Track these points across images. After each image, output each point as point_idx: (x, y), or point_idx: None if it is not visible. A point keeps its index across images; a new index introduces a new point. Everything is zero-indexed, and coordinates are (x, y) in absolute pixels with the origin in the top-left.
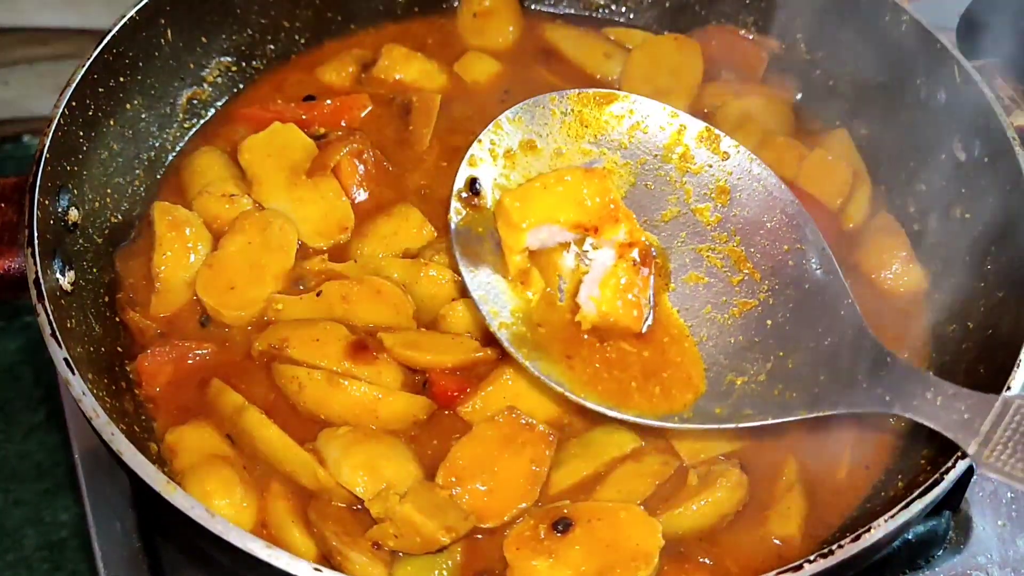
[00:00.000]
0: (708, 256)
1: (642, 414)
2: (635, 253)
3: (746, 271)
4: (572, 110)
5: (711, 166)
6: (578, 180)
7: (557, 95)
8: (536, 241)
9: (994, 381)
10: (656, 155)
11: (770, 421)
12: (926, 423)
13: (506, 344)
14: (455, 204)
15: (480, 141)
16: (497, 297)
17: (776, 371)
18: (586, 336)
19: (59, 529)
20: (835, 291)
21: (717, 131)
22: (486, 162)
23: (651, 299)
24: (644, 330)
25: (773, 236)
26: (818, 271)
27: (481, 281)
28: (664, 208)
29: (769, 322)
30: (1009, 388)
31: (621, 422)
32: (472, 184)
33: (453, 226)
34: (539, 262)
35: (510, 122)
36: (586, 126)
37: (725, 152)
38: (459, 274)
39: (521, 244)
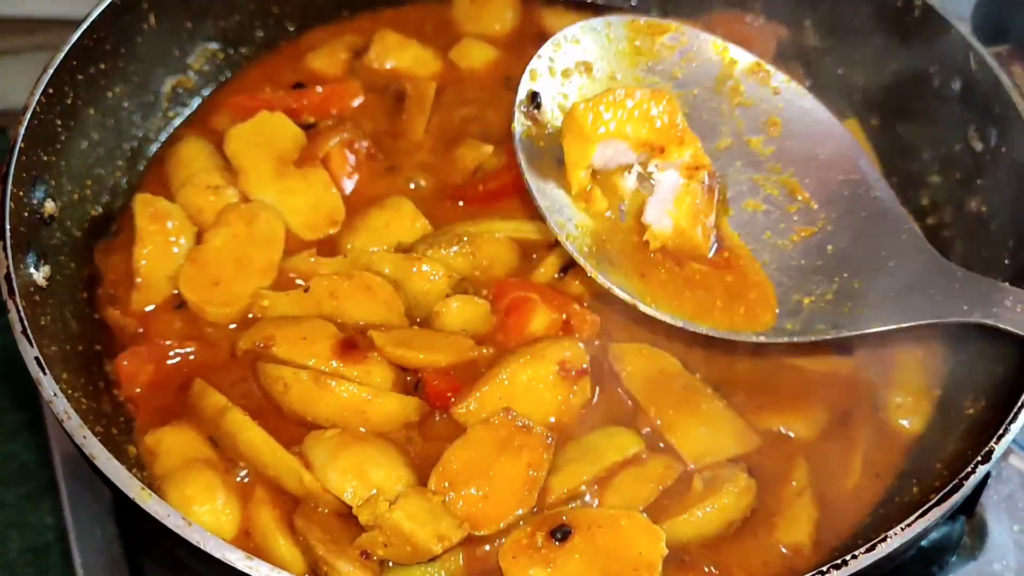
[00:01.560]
0: (764, 185)
1: (717, 327)
2: (704, 176)
3: (802, 200)
4: (626, 36)
5: (762, 99)
6: (648, 98)
7: (613, 19)
8: (601, 159)
9: (1014, 381)
10: (708, 87)
11: (844, 334)
12: (1009, 328)
13: (575, 254)
14: (518, 115)
15: (540, 56)
16: (562, 210)
17: (843, 290)
18: (653, 254)
19: (44, 533)
20: (894, 218)
21: (768, 66)
22: (544, 77)
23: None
24: (711, 254)
25: (827, 167)
26: (875, 198)
27: (547, 191)
28: (718, 138)
29: (830, 247)
30: None
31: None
32: (533, 98)
33: (517, 136)
34: (600, 184)
35: (568, 41)
36: (640, 54)
37: (776, 87)
38: (454, 271)
39: (588, 158)
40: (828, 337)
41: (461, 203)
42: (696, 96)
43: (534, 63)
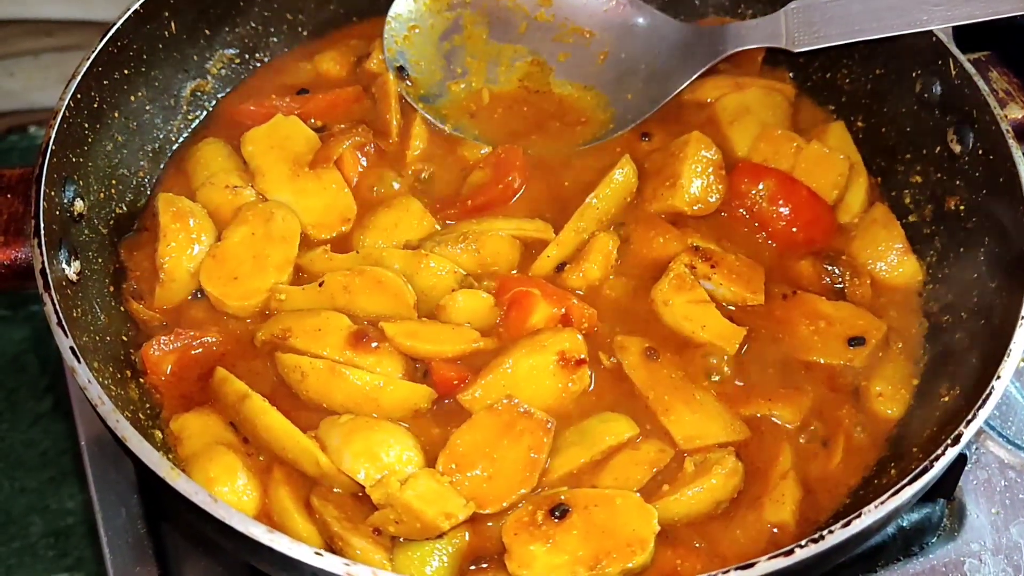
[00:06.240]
0: (563, 38)
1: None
2: None
3: (589, 35)
4: None
5: None
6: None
7: None
8: None
9: (985, 370)
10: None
11: (658, 106)
12: (752, 46)
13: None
14: (400, 84)
15: (386, 39)
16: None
17: (648, 77)
18: None
19: (65, 516)
20: (655, 20)
21: None
22: (396, 49)
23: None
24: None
25: (594, 6)
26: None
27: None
28: (519, 25)
29: (623, 55)
30: (999, 377)
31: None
32: (400, 71)
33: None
34: None
35: (394, 19)
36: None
37: None
38: (460, 267)
39: None
40: (648, 114)
41: (451, 222)
42: (489, 8)
43: (386, 46)
